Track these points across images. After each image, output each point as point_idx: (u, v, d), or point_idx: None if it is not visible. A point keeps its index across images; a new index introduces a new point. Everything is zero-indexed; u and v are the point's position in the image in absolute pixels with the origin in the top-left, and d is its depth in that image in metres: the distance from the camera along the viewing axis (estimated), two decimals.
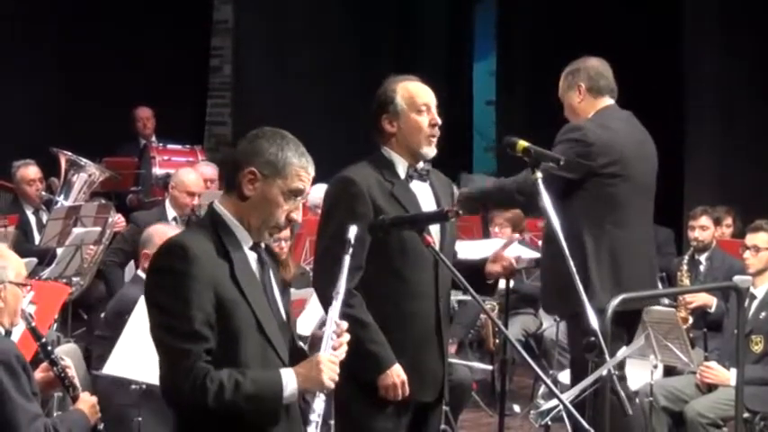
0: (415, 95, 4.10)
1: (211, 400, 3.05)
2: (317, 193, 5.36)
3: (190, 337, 3.06)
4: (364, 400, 4.00)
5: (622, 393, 4.29)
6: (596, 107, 5.14)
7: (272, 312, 3.22)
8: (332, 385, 3.14)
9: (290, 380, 3.11)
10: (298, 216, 3.27)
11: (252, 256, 3.25)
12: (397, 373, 3.96)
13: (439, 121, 4.11)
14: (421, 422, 4.15)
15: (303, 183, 3.25)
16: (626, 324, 4.99)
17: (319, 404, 3.19)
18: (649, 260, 5.28)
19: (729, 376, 6.03)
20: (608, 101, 5.17)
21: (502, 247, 4.30)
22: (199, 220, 3.45)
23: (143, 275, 5.45)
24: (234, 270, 3.16)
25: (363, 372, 3.91)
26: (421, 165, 4.14)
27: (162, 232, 5.22)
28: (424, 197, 4.13)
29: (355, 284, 3.97)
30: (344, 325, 3.24)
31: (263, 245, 3.28)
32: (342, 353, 3.23)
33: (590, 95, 5.15)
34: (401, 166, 4.11)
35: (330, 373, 3.14)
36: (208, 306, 3.09)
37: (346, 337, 3.25)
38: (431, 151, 4.12)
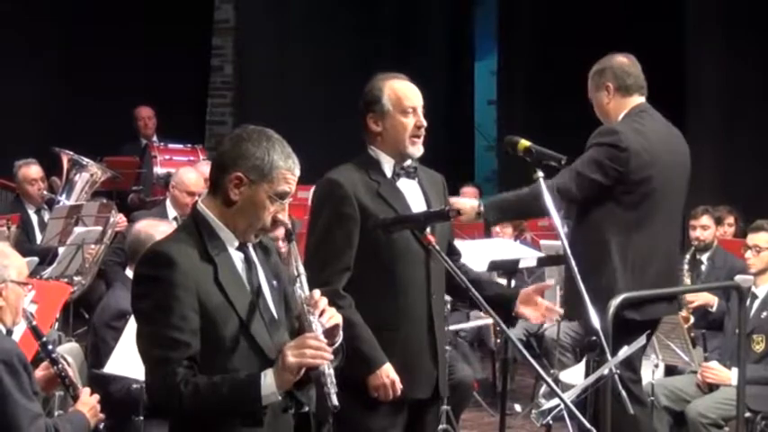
0: (402, 97, 4.07)
1: (186, 404, 3.04)
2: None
3: (169, 345, 3.06)
4: (360, 399, 3.98)
5: (623, 393, 4.29)
6: (626, 106, 5.05)
7: (259, 313, 3.19)
8: (303, 361, 3.03)
9: (268, 378, 3.06)
10: (284, 217, 3.26)
11: (238, 256, 3.23)
12: (386, 373, 3.95)
13: (424, 124, 4.08)
14: (418, 420, 4.14)
15: (289, 185, 3.22)
16: (645, 332, 4.94)
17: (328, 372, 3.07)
18: (673, 267, 5.25)
19: (730, 376, 6.03)
20: (638, 99, 5.07)
21: (535, 288, 4.22)
22: (183, 223, 3.43)
23: (131, 275, 5.45)
24: (218, 274, 3.15)
25: (353, 372, 3.91)
26: (408, 162, 4.13)
27: (150, 236, 5.17)
28: (412, 195, 4.12)
29: (343, 285, 3.97)
30: (317, 293, 3.15)
31: (250, 244, 3.26)
32: (331, 317, 3.14)
33: (618, 95, 5.06)
34: (387, 165, 4.10)
35: (295, 353, 3.03)
36: (190, 313, 3.08)
37: (324, 301, 3.15)
38: (417, 151, 4.10)
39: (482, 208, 4.87)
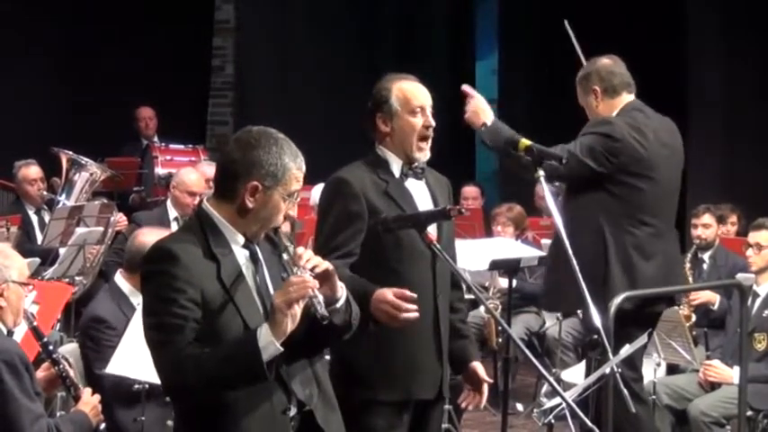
0: (410, 97, 4.08)
1: (191, 377, 3.08)
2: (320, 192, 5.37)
3: (172, 330, 3.11)
4: (364, 399, 3.98)
5: (625, 391, 4.29)
6: (616, 106, 5.09)
7: (263, 310, 3.22)
8: (288, 297, 3.08)
9: (263, 329, 3.08)
10: (294, 212, 3.32)
11: (243, 254, 3.27)
12: (381, 297, 3.83)
13: (433, 123, 4.10)
14: (422, 420, 4.13)
15: (300, 182, 3.30)
16: (646, 326, 4.95)
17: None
18: (671, 260, 5.24)
19: (732, 374, 6.03)
20: (627, 97, 5.11)
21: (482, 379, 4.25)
22: (186, 222, 3.47)
23: (119, 283, 5.44)
24: (220, 271, 3.18)
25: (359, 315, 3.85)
26: (416, 162, 4.13)
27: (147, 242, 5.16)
28: (420, 195, 4.12)
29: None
30: (300, 249, 3.20)
31: (259, 240, 3.30)
32: (318, 264, 3.18)
33: (606, 96, 5.10)
34: (395, 165, 4.11)
35: (280, 294, 3.10)
36: (191, 304, 3.13)
37: (308, 253, 3.20)
38: (423, 156, 4.11)
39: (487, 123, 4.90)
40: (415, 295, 3.84)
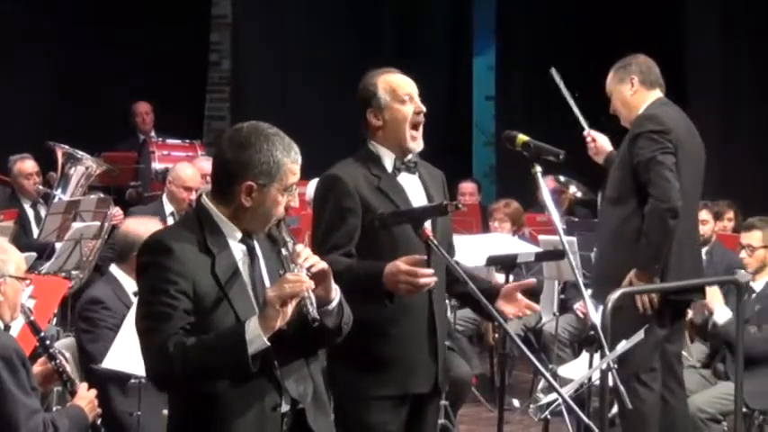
0: (396, 87, 4.10)
1: (176, 365, 3.07)
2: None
3: (160, 318, 3.12)
4: (361, 394, 3.99)
5: (621, 388, 4.30)
6: (648, 99, 5.30)
7: (257, 307, 3.20)
8: (282, 293, 3.07)
9: (252, 323, 3.08)
10: (295, 203, 3.31)
11: (240, 249, 3.26)
12: (394, 269, 3.83)
13: (423, 109, 4.10)
14: (418, 415, 4.13)
15: (296, 175, 3.28)
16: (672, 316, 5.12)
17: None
18: (699, 249, 5.55)
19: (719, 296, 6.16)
20: (659, 93, 5.34)
21: (517, 285, 4.18)
22: (184, 216, 3.47)
23: (115, 272, 5.45)
24: (215, 266, 3.18)
25: (376, 298, 3.86)
26: (409, 156, 4.13)
27: (138, 236, 5.16)
28: (413, 189, 4.13)
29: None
30: (299, 247, 3.21)
31: (256, 237, 3.30)
32: (315, 263, 3.19)
33: (643, 87, 5.30)
34: (388, 160, 4.11)
35: (274, 288, 3.09)
36: (183, 296, 3.13)
37: (306, 251, 3.20)
38: (417, 146, 4.12)
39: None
40: (425, 257, 3.83)
